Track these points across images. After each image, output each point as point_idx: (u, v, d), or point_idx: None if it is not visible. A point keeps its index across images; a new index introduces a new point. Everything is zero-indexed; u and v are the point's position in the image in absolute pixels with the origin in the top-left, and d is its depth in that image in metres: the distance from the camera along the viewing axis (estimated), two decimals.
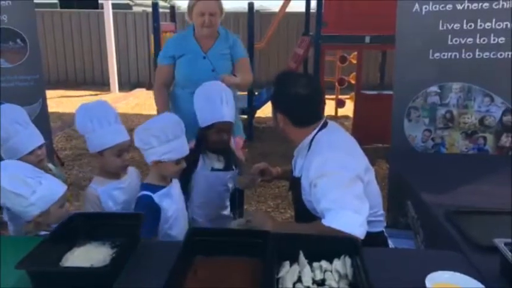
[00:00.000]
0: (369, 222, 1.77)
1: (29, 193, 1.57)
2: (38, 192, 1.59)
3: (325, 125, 1.88)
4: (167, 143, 1.80)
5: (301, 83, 1.86)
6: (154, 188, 1.87)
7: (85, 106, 1.94)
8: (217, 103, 2.13)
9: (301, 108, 1.85)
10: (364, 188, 1.75)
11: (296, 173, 1.93)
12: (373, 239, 1.80)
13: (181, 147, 1.87)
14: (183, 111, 2.69)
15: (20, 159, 1.93)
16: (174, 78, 2.83)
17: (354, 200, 1.65)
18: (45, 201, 1.61)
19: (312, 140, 1.84)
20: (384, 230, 1.94)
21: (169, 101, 2.86)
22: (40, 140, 2.07)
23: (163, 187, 1.89)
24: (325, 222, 1.63)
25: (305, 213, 1.85)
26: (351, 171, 1.72)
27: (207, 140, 2.21)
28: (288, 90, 1.85)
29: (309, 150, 1.83)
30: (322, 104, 1.96)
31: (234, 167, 2.33)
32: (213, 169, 2.25)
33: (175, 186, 1.99)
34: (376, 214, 1.87)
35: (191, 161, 2.14)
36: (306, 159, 1.82)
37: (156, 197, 1.84)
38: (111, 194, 1.93)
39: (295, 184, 1.95)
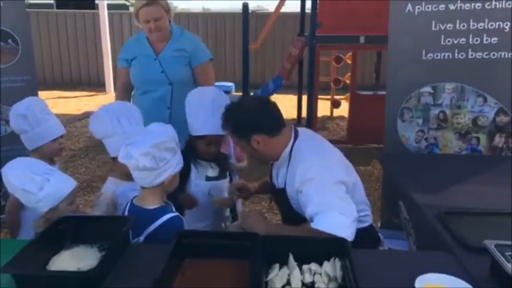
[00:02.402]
0: (357, 219, 1.77)
1: (37, 190, 1.62)
2: (46, 189, 1.64)
3: (296, 132, 1.89)
4: (178, 151, 1.71)
5: (245, 102, 1.90)
6: (169, 208, 1.75)
7: (110, 107, 2.02)
8: (209, 114, 2.05)
9: (266, 114, 1.85)
10: (351, 188, 1.77)
11: (279, 185, 1.93)
12: (363, 234, 1.80)
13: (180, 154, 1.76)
14: None
15: (44, 145, 2.15)
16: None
17: (339, 201, 1.66)
18: (54, 198, 1.66)
19: (291, 151, 1.85)
20: (372, 223, 1.95)
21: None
22: (63, 129, 2.27)
23: (168, 205, 1.78)
24: (313, 225, 1.64)
25: (293, 221, 1.84)
26: (334, 175, 1.73)
27: (196, 149, 2.16)
28: (244, 112, 1.85)
29: (289, 160, 1.84)
30: (278, 107, 1.94)
31: (228, 174, 2.27)
32: (207, 178, 2.19)
33: None
34: (362, 209, 1.86)
35: (181, 170, 2.09)
36: (289, 170, 1.83)
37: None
38: (127, 196, 1.92)
39: (279, 195, 1.95)
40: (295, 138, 1.87)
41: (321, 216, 1.63)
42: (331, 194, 1.66)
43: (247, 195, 2.27)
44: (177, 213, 1.74)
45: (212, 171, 2.21)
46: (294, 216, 1.86)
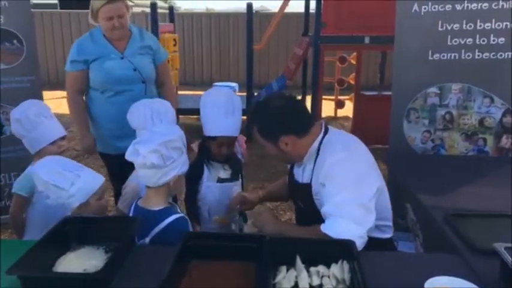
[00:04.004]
0: (378, 227, 1.73)
1: (68, 185, 1.66)
2: (77, 184, 1.67)
3: (326, 127, 1.82)
4: (185, 152, 1.71)
5: (272, 101, 1.81)
6: (174, 209, 1.75)
7: (149, 102, 2.13)
8: (222, 115, 2.04)
9: (295, 113, 1.77)
10: (380, 191, 1.71)
11: (303, 180, 1.84)
12: (382, 245, 1.77)
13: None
14: (102, 116, 2.68)
15: (43, 149, 2.11)
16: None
17: (358, 208, 1.59)
18: (85, 193, 1.70)
19: (320, 145, 1.76)
20: (392, 237, 1.88)
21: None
22: (62, 131, 2.20)
23: (173, 206, 1.79)
24: (323, 228, 1.59)
25: (308, 222, 1.76)
26: (363, 174, 1.66)
27: (209, 150, 2.15)
28: (272, 112, 1.76)
29: (317, 154, 1.76)
30: (306, 106, 1.89)
31: (240, 176, 2.26)
32: (219, 179, 2.18)
33: None
34: (383, 218, 1.80)
35: (194, 171, 2.07)
36: (317, 163, 1.75)
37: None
38: None
39: (301, 192, 1.87)
40: (325, 133, 1.78)
41: (334, 220, 1.58)
42: (352, 198, 1.59)
43: (250, 207, 2.20)
44: (182, 214, 1.74)
45: (224, 173, 2.19)
46: (312, 215, 1.76)
